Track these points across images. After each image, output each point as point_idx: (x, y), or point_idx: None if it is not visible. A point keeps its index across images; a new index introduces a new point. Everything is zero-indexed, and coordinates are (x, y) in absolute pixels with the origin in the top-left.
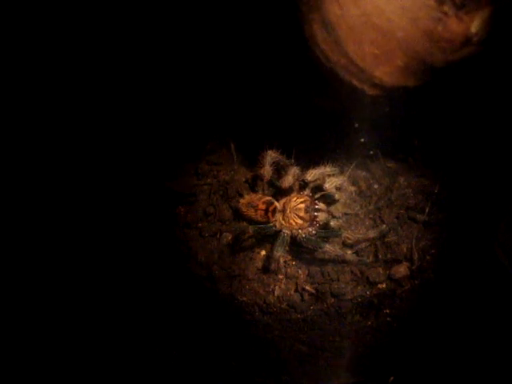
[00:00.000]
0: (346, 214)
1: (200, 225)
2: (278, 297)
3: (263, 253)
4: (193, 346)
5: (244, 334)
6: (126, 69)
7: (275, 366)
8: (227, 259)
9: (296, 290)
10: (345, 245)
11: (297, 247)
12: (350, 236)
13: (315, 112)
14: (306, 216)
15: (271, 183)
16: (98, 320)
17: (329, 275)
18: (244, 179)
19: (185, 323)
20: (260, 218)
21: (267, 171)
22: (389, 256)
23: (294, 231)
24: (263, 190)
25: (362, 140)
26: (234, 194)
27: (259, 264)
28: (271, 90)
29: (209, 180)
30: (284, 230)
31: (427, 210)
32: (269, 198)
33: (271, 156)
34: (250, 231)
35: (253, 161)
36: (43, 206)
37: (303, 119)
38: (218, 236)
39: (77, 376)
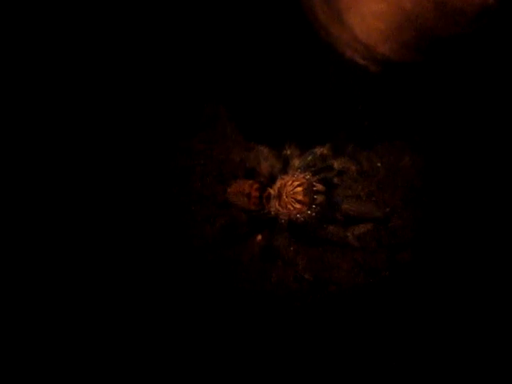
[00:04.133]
0: (346, 195)
1: (193, 208)
2: (275, 285)
3: (259, 237)
4: (186, 334)
5: (239, 322)
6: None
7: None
8: (221, 244)
9: (294, 278)
10: (347, 224)
11: (295, 231)
12: (351, 207)
13: (314, 88)
14: (305, 199)
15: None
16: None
17: (329, 262)
18: (239, 158)
19: (178, 311)
20: (254, 207)
21: (264, 167)
22: (392, 241)
23: (293, 216)
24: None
25: (365, 116)
26: (229, 176)
27: (255, 249)
28: (268, 65)
29: (202, 160)
30: (281, 217)
31: (434, 192)
32: (259, 183)
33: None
34: (243, 220)
35: (249, 137)
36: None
37: (302, 97)
38: (211, 220)
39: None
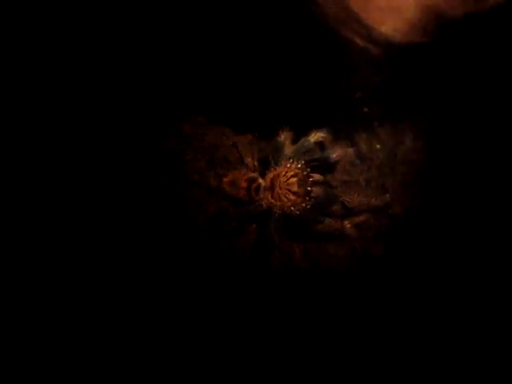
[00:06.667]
0: (344, 181)
1: (184, 195)
2: (271, 275)
3: (254, 226)
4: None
5: (235, 314)
6: None
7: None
8: (214, 233)
9: (291, 267)
10: (345, 213)
11: (290, 223)
12: (350, 200)
13: (310, 72)
14: (301, 190)
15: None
16: None
17: (326, 251)
18: (231, 142)
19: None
20: (242, 198)
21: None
22: (392, 229)
23: (286, 209)
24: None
25: (364, 100)
26: (222, 161)
27: (250, 237)
28: (262, 46)
29: (193, 144)
30: (274, 210)
31: (435, 176)
32: (253, 174)
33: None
34: (233, 217)
35: (242, 121)
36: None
37: (297, 80)
38: (204, 207)
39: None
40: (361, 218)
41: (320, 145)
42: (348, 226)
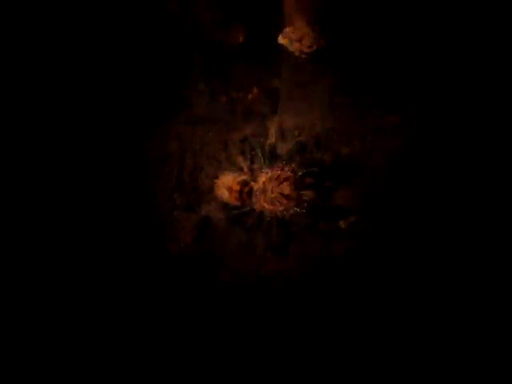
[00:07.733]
0: (338, 183)
1: (174, 196)
2: (264, 279)
3: (246, 229)
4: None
5: (227, 318)
6: None
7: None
8: (205, 235)
9: (285, 271)
10: (338, 215)
11: (283, 228)
12: (344, 201)
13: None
14: (293, 194)
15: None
16: None
17: (320, 253)
18: (222, 141)
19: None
20: (234, 201)
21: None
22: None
23: (279, 213)
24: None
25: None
26: (212, 160)
27: (243, 238)
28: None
29: (182, 143)
30: (267, 214)
31: (430, 176)
32: (245, 177)
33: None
34: (225, 220)
35: (232, 119)
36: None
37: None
38: (195, 209)
39: None
40: (355, 219)
41: (314, 146)
42: (342, 227)
